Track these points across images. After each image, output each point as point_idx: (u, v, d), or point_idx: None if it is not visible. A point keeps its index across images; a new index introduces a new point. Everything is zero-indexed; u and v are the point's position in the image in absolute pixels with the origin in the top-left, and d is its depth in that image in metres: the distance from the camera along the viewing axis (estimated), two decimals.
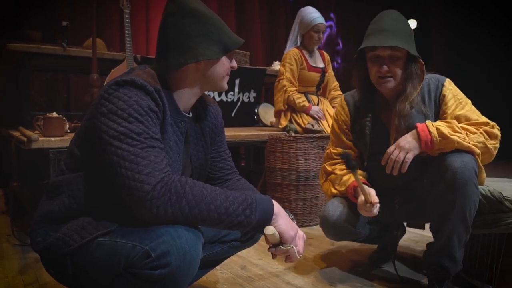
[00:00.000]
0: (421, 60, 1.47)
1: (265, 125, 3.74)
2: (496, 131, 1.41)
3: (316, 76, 2.98)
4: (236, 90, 3.46)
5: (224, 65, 1.16)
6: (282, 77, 2.89)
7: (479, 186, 1.45)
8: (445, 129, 1.35)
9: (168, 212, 0.91)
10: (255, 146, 3.69)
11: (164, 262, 0.88)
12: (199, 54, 1.09)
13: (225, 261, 1.49)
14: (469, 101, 1.51)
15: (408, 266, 1.83)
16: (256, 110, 3.76)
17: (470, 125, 1.41)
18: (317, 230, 2.45)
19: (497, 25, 5.36)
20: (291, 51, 2.91)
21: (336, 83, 3.16)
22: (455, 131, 1.35)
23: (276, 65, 3.93)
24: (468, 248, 1.57)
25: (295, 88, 2.90)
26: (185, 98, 1.16)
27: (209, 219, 0.94)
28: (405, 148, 1.38)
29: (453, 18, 5.84)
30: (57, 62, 2.87)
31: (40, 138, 1.91)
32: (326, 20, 5.89)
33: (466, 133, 1.36)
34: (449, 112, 1.47)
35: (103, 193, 1.01)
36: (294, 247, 1.07)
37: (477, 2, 5.46)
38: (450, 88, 1.52)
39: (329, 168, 1.66)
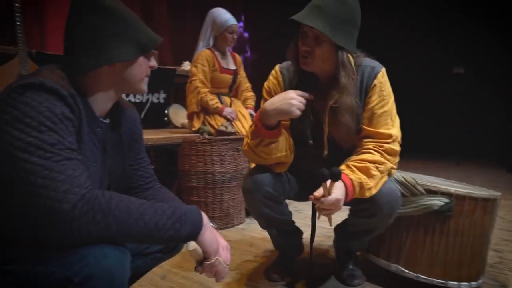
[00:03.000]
0: (348, 52, 1.38)
1: (176, 127, 3.65)
2: (396, 146, 1.45)
3: (228, 77, 2.98)
4: None
5: (142, 66, 1.07)
6: (194, 78, 2.83)
7: (395, 174, 1.58)
8: (366, 187, 1.38)
9: (92, 233, 0.82)
10: (168, 148, 3.57)
11: (89, 287, 0.80)
12: (113, 55, 0.99)
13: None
14: (391, 99, 1.49)
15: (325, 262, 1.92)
16: (166, 112, 3.64)
17: (376, 135, 1.44)
18: (234, 232, 2.46)
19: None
20: (203, 52, 2.87)
21: (248, 85, 3.20)
22: (371, 176, 1.39)
23: (186, 65, 3.85)
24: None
25: (208, 89, 2.87)
26: (100, 102, 1.05)
27: (138, 236, 0.87)
28: (339, 206, 1.33)
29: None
30: None
31: None
32: (238, 22, 5.98)
33: (377, 167, 1.40)
34: (369, 106, 1.46)
35: (6, 214, 0.87)
36: (219, 258, 1.04)
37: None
38: (381, 81, 1.46)
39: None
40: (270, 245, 2.05)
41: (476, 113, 6.04)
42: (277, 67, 1.60)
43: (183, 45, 5.05)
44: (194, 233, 0.96)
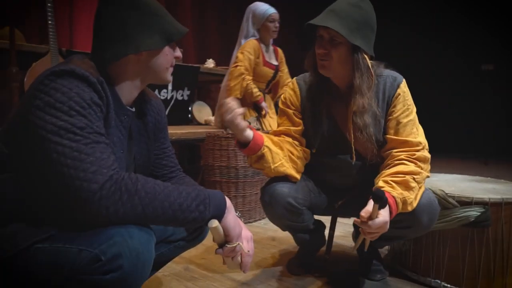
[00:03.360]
0: (364, 53, 1.38)
1: (200, 124, 3.69)
2: (426, 153, 1.42)
3: (270, 72, 2.95)
4: (170, 87, 3.36)
5: (167, 56, 1.11)
6: (240, 64, 2.78)
7: None
8: (408, 201, 1.31)
9: (119, 212, 0.84)
10: (190, 144, 3.61)
11: (116, 265, 0.82)
12: (140, 44, 1.03)
13: (167, 263, 1.43)
14: (414, 109, 1.48)
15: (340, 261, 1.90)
16: (190, 108, 3.69)
17: (404, 144, 1.40)
18: (257, 227, 2.47)
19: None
20: (251, 41, 2.83)
21: (289, 80, 3.17)
22: (410, 189, 1.33)
23: (210, 63, 3.90)
24: (411, 249, 1.66)
25: (251, 78, 2.84)
26: (127, 91, 1.09)
27: (163, 217, 0.89)
28: (387, 227, 1.25)
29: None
30: None
31: None
32: None
33: (414, 178, 1.34)
34: (394, 116, 1.45)
35: (38, 196, 0.91)
36: (241, 244, 1.05)
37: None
38: (404, 91, 1.47)
39: None
40: (292, 240, 2.05)
41: (503, 111, 5.85)
42: (294, 79, 1.63)
43: (206, 43, 5.11)
44: (218, 216, 0.98)
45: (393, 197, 1.29)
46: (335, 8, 1.37)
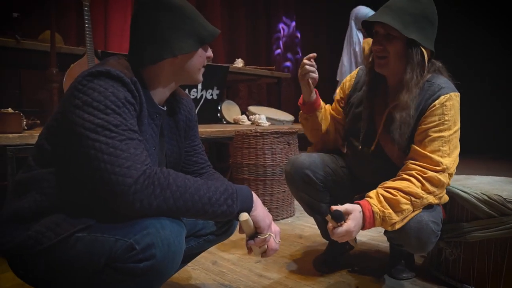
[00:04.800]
0: (421, 48, 1.34)
1: (229, 122, 3.74)
2: (445, 178, 1.32)
3: None
4: (199, 87, 3.43)
5: (201, 57, 1.15)
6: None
7: (470, 190, 1.49)
8: (389, 221, 1.28)
9: (152, 205, 0.89)
10: (219, 143, 3.67)
11: (149, 254, 0.87)
12: (176, 48, 1.07)
13: (196, 258, 1.48)
14: (455, 127, 1.36)
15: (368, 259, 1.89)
16: (219, 107, 3.75)
17: (424, 158, 1.33)
18: (284, 224, 2.50)
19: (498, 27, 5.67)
20: (367, 39, 3.18)
21: None
22: (399, 210, 1.28)
23: (239, 63, 3.94)
24: (460, 258, 1.53)
25: None
26: (160, 91, 1.14)
27: (193, 209, 0.94)
28: (352, 236, 1.27)
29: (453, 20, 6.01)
30: (8, 56, 2.71)
31: None
32: (291, 21, 6.04)
33: (411, 200, 1.29)
34: (424, 127, 1.36)
35: (78, 189, 0.97)
36: (272, 234, 1.08)
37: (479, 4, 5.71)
38: (445, 105, 1.35)
39: None
40: (319, 238, 2.06)
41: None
42: (359, 67, 1.70)
43: (236, 43, 5.17)
44: (245, 210, 1.02)
45: (372, 211, 1.28)
46: (390, 4, 1.37)
